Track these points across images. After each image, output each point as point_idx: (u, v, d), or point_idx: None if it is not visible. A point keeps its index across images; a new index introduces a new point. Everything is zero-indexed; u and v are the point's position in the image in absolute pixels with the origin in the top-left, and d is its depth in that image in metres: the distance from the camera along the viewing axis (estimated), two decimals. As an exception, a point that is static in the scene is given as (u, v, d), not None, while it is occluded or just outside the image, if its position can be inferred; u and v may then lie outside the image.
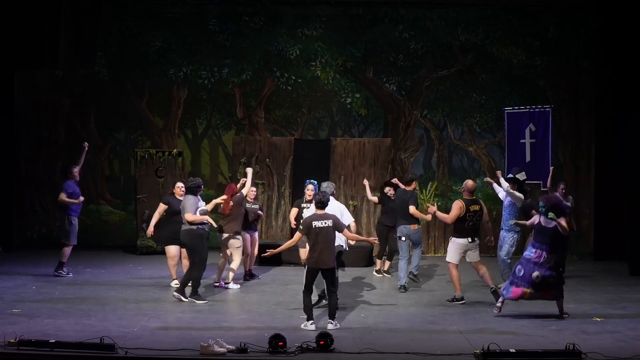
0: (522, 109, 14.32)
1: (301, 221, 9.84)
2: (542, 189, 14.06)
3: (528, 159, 13.82)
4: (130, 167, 16.64)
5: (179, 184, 11.79)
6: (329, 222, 9.14)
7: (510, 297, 9.78)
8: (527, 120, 14.01)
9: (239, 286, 11.66)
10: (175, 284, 11.40)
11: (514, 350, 7.61)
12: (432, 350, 7.80)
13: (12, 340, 7.66)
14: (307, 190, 11.50)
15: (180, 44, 16.87)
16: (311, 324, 8.94)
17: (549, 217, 9.66)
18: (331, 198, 10.51)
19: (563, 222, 9.65)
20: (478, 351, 7.54)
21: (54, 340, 7.66)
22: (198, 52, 16.87)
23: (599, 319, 9.63)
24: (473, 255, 10.67)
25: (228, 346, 7.66)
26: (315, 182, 11.50)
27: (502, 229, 11.67)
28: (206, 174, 16.90)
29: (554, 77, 16.82)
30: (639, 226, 13.73)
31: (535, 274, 9.58)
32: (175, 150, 16.01)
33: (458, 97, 16.96)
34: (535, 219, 9.89)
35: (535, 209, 10.54)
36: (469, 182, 10.92)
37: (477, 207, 10.63)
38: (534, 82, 16.81)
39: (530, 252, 9.75)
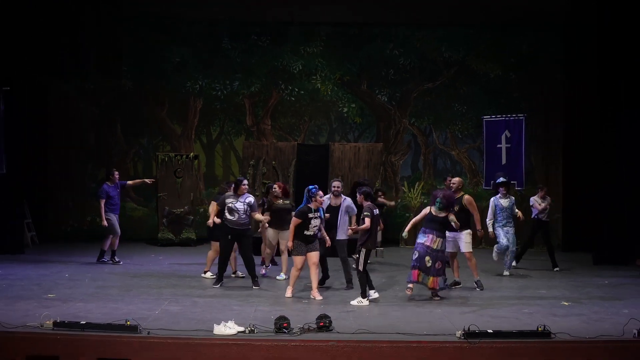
0: (499, 117, 14.33)
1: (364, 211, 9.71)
2: (516, 189, 14.11)
3: (504, 162, 13.83)
4: (152, 168, 16.66)
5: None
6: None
7: (411, 280, 9.76)
8: (503, 127, 14.01)
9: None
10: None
11: (491, 331, 7.60)
12: (419, 331, 7.80)
13: (48, 322, 7.67)
14: (322, 198, 9.98)
15: (196, 59, 16.89)
16: (374, 292, 9.63)
17: (439, 209, 9.79)
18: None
19: (452, 215, 9.86)
20: (460, 332, 7.54)
21: (84, 322, 7.67)
22: (212, 67, 16.90)
23: (566, 303, 9.63)
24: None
25: (238, 327, 7.66)
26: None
27: (507, 226, 11.76)
28: (219, 174, 16.93)
29: (527, 89, 16.84)
30: (602, 221, 13.78)
31: (427, 258, 9.65)
32: (192, 154, 16.05)
33: (442, 107, 16.98)
34: (426, 210, 9.97)
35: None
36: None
37: None
38: (509, 94, 16.83)
39: (422, 239, 9.80)
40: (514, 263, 12.65)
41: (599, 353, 7.36)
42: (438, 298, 9.73)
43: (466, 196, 10.79)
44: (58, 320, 7.69)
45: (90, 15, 14.88)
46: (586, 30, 14.95)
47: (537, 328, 7.65)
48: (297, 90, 16.95)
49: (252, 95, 16.97)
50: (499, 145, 13.99)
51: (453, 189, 10.83)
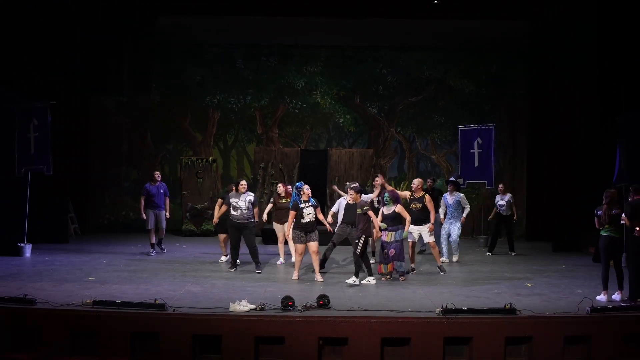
0: (472, 126, 14.33)
1: (361, 205, 9.66)
2: (487, 187, 14.14)
3: (476, 164, 13.84)
4: (176, 170, 16.65)
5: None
6: None
7: (378, 272, 9.86)
8: (475, 135, 14.01)
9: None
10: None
11: (465, 308, 7.61)
12: (404, 308, 7.80)
13: (88, 301, 7.67)
14: (308, 189, 9.92)
15: (214, 77, 16.89)
16: (372, 278, 9.58)
17: (387, 204, 9.74)
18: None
19: (399, 207, 9.74)
20: (439, 309, 7.55)
21: (119, 301, 7.66)
22: (228, 83, 16.89)
23: (529, 285, 9.64)
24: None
25: (251, 305, 7.66)
26: (303, 183, 10.11)
27: (450, 220, 11.75)
28: (234, 175, 16.89)
29: (496, 103, 16.84)
30: (560, 215, 13.79)
31: (384, 251, 9.74)
32: (210, 158, 16.03)
33: (424, 117, 16.97)
34: (381, 210, 9.88)
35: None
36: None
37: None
38: (481, 107, 16.81)
39: (383, 237, 9.83)
40: (488, 253, 12.72)
41: (558, 327, 7.37)
42: (404, 278, 9.74)
43: (427, 196, 10.74)
44: (97, 299, 7.70)
45: (130, 40, 14.91)
46: (545, 53, 15.01)
47: (505, 305, 7.66)
48: (300, 103, 16.95)
49: (262, 107, 16.97)
50: (472, 151, 14.00)
51: (413, 189, 10.74)
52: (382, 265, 9.81)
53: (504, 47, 16.49)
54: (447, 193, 12.00)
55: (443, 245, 11.91)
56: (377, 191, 10.84)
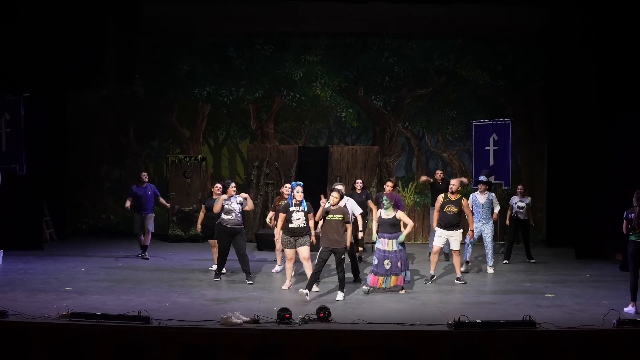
0: (487, 121, 14.29)
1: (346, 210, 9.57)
2: (503, 188, 14.10)
3: (492, 163, 13.79)
4: (162, 169, 16.62)
5: (217, 185, 11.59)
6: None
7: (369, 284, 9.67)
8: (490, 130, 13.97)
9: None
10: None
11: (480, 321, 7.58)
12: (412, 321, 7.77)
13: (65, 313, 7.66)
14: (298, 192, 9.82)
15: (205, 68, 16.85)
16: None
17: (385, 209, 9.61)
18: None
19: (399, 213, 9.62)
20: (450, 322, 7.52)
21: (100, 313, 7.65)
22: (219, 74, 16.85)
23: (550, 295, 9.62)
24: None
25: (244, 318, 7.64)
26: (302, 183, 10.06)
27: (482, 221, 11.68)
28: (225, 175, 16.87)
29: (513, 96, 16.80)
30: (583, 218, 13.74)
31: (386, 261, 9.55)
32: (200, 156, 16.01)
33: (434, 111, 16.93)
34: (377, 215, 9.82)
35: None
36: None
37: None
38: (496, 100, 16.78)
39: (378, 244, 9.71)
40: (504, 261, 12.67)
41: (581, 341, 7.34)
42: (403, 291, 9.65)
43: (464, 199, 10.74)
44: (75, 311, 7.67)
45: (112, 28, 14.86)
46: (562, 43, 14.95)
47: (523, 318, 7.64)
48: (298, 96, 16.91)
49: (256, 101, 16.93)
50: (487, 148, 13.95)
51: (452, 190, 10.74)
52: (380, 277, 9.55)
53: (519, 37, 16.42)
54: (477, 193, 11.95)
55: (469, 248, 11.81)
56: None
